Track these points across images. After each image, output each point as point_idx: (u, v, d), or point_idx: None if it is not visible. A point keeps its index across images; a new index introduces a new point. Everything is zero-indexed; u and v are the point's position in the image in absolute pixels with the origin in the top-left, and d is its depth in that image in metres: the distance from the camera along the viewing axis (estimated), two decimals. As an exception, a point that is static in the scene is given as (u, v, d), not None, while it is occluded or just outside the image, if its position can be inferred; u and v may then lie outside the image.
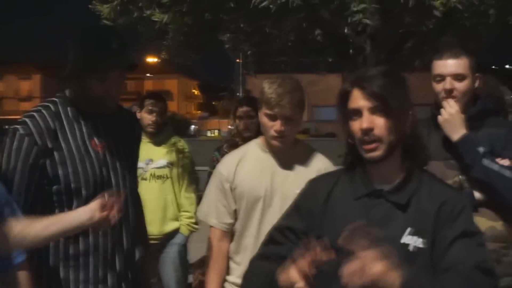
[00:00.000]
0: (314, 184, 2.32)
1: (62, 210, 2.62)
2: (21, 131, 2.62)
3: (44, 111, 2.69)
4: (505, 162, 2.96)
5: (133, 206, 2.90)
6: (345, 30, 5.28)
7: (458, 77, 3.09)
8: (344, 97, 2.15)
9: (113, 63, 2.64)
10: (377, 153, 2.09)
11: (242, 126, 4.76)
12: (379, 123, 2.07)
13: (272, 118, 3.02)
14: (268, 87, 3.02)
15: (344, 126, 2.17)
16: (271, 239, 2.32)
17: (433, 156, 3.00)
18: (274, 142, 3.07)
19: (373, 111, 2.07)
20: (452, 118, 3.05)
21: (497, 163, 2.94)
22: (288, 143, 3.10)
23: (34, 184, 2.61)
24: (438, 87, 3.13)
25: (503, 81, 3.81)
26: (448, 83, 3.09)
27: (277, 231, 2.31)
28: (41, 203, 2.64)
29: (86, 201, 2.58)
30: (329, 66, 8.60)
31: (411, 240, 2.05)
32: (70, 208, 2.62)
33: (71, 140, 2.69)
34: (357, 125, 2.10)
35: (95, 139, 2.75)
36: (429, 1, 4.03)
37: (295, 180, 3.06)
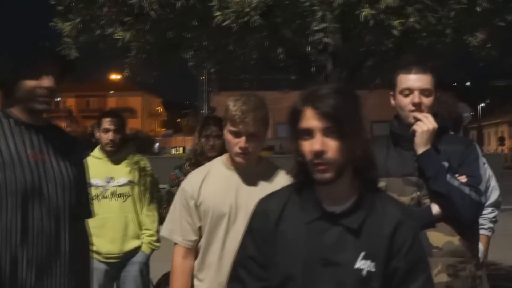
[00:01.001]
0: (265, 204, 2.26)
1: None
2: None
3: None
4: (462, 178, 3.00)
5: (70, 226, 2.84)
6: (307, 49, 5.32)
7: (426, 92, 3.12)
8: (296, 115, 2.08)
9: (42, 56, 2.76)
10: (328, 175, 2.03)
11: (209, 145, 4.77)
12: (332, 146, 2.01)
13: (237, 135, 3.04)
14: (232, 105, 3.04)
15: (293, 144, 2.11)
16: (236, 278, 2.24)
17: (391, 172, 3.05)
18: (238, 159, 3.09)
19: (326, 132, 2.01)
20: (427, 132, 3.06)
21: (457, 179, 2.98)
22: (252, 159, 3.13)
23: None
24: (405, 100, 3.13)
25: (464, 98, 3.90)
26: (416, 97, 3.10)
27: (240, 267, 2.23)
28: None
29: (12, 208, 2.63)
30: (292, 83, 8.66)
31: (365, 265, 2.03)
32: None
33: (3, 148, 2.72)
34: (308, 146, 2.03)
35: (32, 149, 2.77)
36: (388, 20, 4.10)
37: (259, 196, 3.06)
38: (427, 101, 3.12)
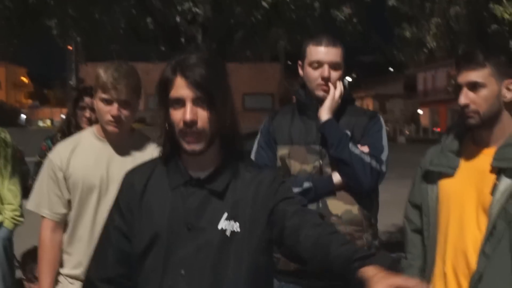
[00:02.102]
0: (131, 176, 2.24)
1: None
2: None
3: None
4: (365, 149, 3.07)
5: None
6: (177, 19, 5.28)
7: (335, 66, 3.13)
8: (165, 84, 2.05)
9: None
10: (198, 146, 2.04)
11: (84, 117, 4.64)
12: (203, 116, 2.01)
13: (108, 102, 2.99)
14: (103, 72, 2.98)
15: (161, 114, 2.09)
16: (100, 249, 2.23)
17: (295, 140, 3.09)
18: (110, 128, 3.03)
19: (196, 102, 2.00)
20: (335, 101, 3.10)
21: (358, 148, 3.05)
22: (124, 129, 3.08)
23: None
24: (314, 74, 3.13)
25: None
26: (326, 71, 3.10)
27: (105, 238, 2.22)
28: None
29: None
30: (162, 55, 8.59)
31: (228, 225, 2.06)
32: None
33: None
34: (178, 115, 2.01)
35: None
36: (258, -8, 4.14)
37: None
38: (335, 74, 3.13)
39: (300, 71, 3.24)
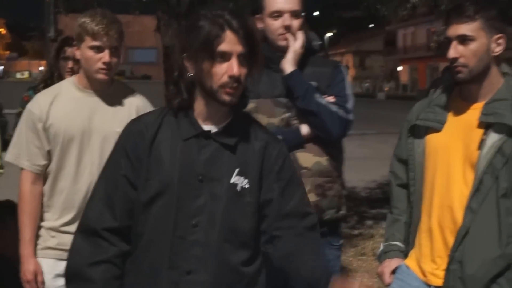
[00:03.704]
0: (138, 123, 2.23)
1: None
2: None
3: None
4: (330, 99, 3.05)
5: None
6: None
7: (295, 14, 3.08)
8: (211, 38, 2.06)
9: None
10: (236, 99, 2.11)
11: (67, 68, 4.54)
12: (244, 71, 2.08)
13: (99, 49, 2.94)
14: (90, 19, 2.93)
15: (195, 63, 2.10)
16: (104, 195, 2.19)
17: (262, 94, 3.06)
18: (100, 76, 2.98)
19: (241, 57, 2.07)
20: (297, 51, 3.06)
21: (324, 98, 3.03)
22: (111, 77, 3.05)
23: None
24: (275, 24, 3.08)
25: (312, 28, 3.94)
26: (287, 20, 3.06)
27: (111, 184, 2.18)
28: None
29: None
30: (143, 6, 8.45)
31: (239, 181, 2.12)
32: None
33: None
34: (222, 69, 2.06)
35: None
36: None
37: (114, 118, 3.01)
38: (296, 22, 3.09)
39: (260, 24, 3.16)
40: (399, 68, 67.41)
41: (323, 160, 3.07)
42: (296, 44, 3.07)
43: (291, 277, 2.15)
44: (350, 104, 3.10)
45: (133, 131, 2.21)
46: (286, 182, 2.19)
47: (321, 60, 3.28)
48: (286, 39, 3.08)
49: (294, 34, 3.08)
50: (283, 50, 3.09)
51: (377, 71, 71.90)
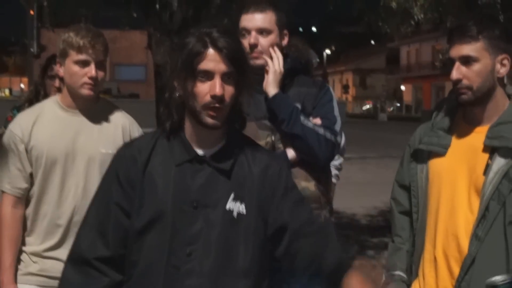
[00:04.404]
0: (131, 148, 2.24)
1: None
2: None
3: None
4: (317, 121, 3.06)
5: None
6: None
7: (263, 32, 3.09)
8: (193, 56, 2.09)
9: None
10: (220, 121, 2.11)
11: (54, 87, 4.56)
12: (229, 91, 2.10)
13: (85, 64, 2.98)
14: (75, 34, 2.98)
15: (171, 84, 2.14)
16: (94, 224, 2.20)
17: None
18: (86, 91, 3.02)
19: (225, 77, 2.08)
20: (277, 72, 3.07)
21: (310, 121, 3.04)
22: (97, 93, 3.08)
23: None
24: (245, 42, 3.05)
25: (309, 44, 3.96)
26: (252, 38, 3.07)
27: (103, 212, 2.19)
28: None
29: None
30: (133, 21, 8.48)
31: (235, 206, 2.13)
32: None
33: None
34: (205, 88, 2.08)
35: None
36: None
37: (99, 138, 3.04)
38: (264, 41, 3.09)
39: None
40: (402, 87, 67.48)
41: (311, 185, 3.07)
42: (274, 64, 3.08)
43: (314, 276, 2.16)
44: (337, 126, 3.11)
45: (125, 155, 2.22)
46: (293, 203, 2.21)
47: (306, 80, 3.28)
48: (256, 58, 3.07)
49: (263, 53, 3.08)
50: (256, 72, 3.02)
51: (379, 91, 71.95)
